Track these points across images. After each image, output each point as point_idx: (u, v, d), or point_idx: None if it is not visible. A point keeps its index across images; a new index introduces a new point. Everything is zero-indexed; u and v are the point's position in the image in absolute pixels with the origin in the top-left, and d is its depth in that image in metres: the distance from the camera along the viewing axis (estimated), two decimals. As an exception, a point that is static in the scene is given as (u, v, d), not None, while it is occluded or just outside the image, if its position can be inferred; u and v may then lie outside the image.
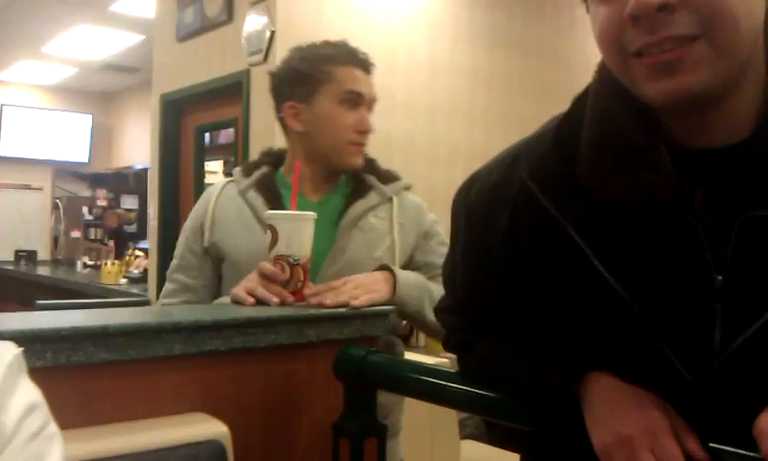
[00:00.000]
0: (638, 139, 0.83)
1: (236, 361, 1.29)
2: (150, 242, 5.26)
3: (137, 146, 8.97)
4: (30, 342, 1.00)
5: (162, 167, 4.92)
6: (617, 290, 0.83)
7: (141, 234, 8.16)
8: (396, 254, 1.63)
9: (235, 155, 4.44)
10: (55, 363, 1.07)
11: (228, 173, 5.39)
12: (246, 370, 1.31)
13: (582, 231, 0.86)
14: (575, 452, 0.89)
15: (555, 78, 5.13)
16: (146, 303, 3.64)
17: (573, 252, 0.86)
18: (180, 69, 4.72)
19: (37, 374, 0.80)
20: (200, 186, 4.75)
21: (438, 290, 1.52)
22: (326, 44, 1.66)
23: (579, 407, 0.87)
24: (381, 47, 4.10)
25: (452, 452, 2.88)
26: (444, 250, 1.66)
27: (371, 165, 1.70)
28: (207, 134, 5.02)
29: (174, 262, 1.69)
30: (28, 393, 0.76)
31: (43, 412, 0.77)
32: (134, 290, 5.31)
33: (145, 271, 5.73)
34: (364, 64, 1.65)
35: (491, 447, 3.30)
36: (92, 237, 8.51)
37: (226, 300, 1.53)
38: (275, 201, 1.61)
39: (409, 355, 2.09)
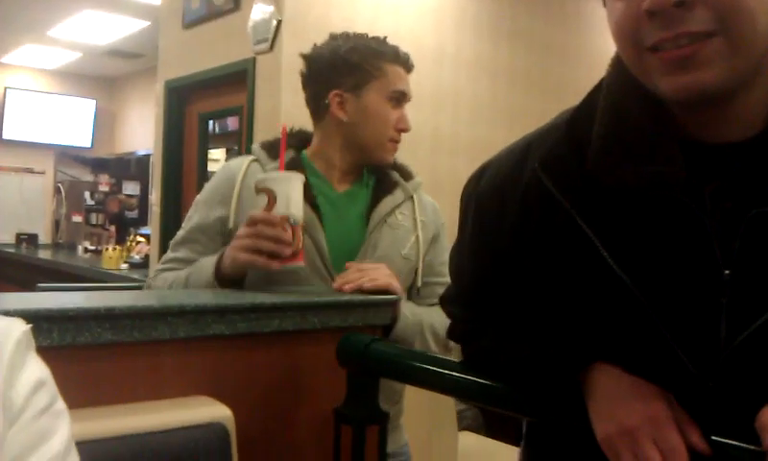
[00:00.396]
0: (650, 132, 0.83)
1: (240, 346, 1.30)
2: (152, 228, 5.26)
3: (140, 132, 8.97)
4: (37, 321, 1.01)
5: (166, 154, 4.91)
6: (624, 280, 0.83)
7: (142, 220, 8.18)
8: (420, 251, 1.66)
9: (239, 143, 4.43)
10: (60, 343, 1.08)
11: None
12: (249, 354, 1.31)
13: (591, 222, 0.86)
14: (577, 443, 0.90)
15: (560, 73, 5.13)
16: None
17: (581, 242, 0.86)
18: (186, 56, 4.71)
19: (43, 353, 0.80)
20: (203, 174, 4.75)
21: (439, 320, 1.54)
22: (372, 38, 1.67)
23: (582, 398, 0.87)
24: (388, 38, 4.09)
25: (450, 444, 2.89)
26: (445, 256, 1.69)
27: (393, 161, 1.72)
28: (211, 122, 5.01)
29: (180, 233, 1.64)
30: (36, 369, 0.77)
31: (51, 389, 0.77)
32: (135, 275, 5.30)
33: (146, 257, 5.73)
34: (407, 64, 1.68)
35: (489, 438, 3.32)
36: (93, 222, 8.52)
37: (209, 260, 1.49)
38: (304, 189, 1.55)
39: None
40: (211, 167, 4.88)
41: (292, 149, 1.67)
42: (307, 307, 1.37)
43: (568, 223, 0.87)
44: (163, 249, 4.83)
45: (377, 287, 1.48)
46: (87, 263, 6.30)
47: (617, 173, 0.83)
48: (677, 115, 0.84)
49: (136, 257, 6.00)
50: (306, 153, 1.70)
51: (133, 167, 8.90)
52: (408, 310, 1.57)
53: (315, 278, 1.55)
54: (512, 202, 0.95)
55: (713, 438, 0.78)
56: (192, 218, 1.64)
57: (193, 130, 4.86)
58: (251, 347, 1.31)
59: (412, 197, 1.70)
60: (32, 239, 8.47)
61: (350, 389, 1.29)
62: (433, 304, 1.60)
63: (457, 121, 4.64)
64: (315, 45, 1.69)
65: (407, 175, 1.73)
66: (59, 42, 7.89)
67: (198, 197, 1.68)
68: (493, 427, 3.51)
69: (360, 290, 1.47)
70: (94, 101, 9.49)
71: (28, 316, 0.84)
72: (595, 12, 5.10)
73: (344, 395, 1.30)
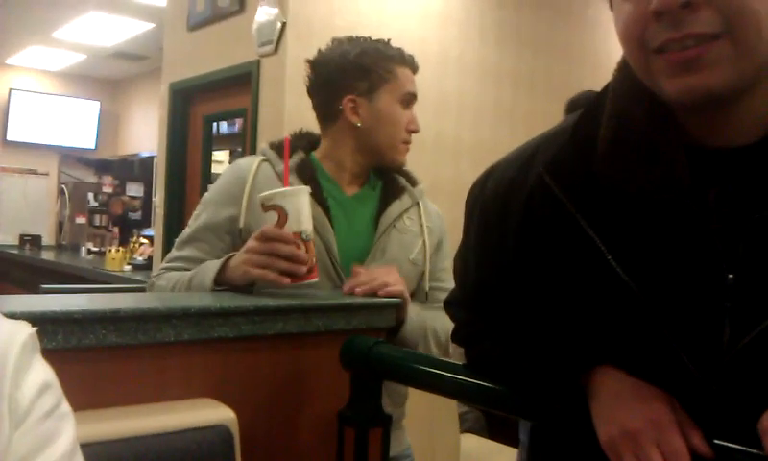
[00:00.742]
0: (655, 137, 0.83)
1: (244, 348, 1.30)
2: (155, 230, 5.27)
3: (144, 134, 8.98)
4: (42, 324, 1.01)
5: (170, 155, 4.92)
6: (628, 284, 0.84)
7: (145, 222, 8.19)
8: (426, 257, 1.67)
9: (243, 145, 4.44)
10: (65, 345, 1.08)
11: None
12: (254, 357, 1.32)
13: (595, 226, 0.86)
14: (580, 446, 0.90)
15: (564, 76, 5.12)
16: (151, 290, 3.64)
17: (586, 245, 0.86)
18: (190, 58, 4.72)
19: (48, 355, 0.80)
20: (207, 176, 4.75)
21: (441, 324, 1.55)
22: (377, 41, 1.67)
23: (585, 401, 0.88)
24: (392, 41, 4.09)
25: (452, 446, 2.89)
26: (446, 262, 1.69)
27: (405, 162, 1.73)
28: (215, 124, 5.02)
29: (187, 232, 1.62)
30: (42, 372, 0.77)
31: (56, 391, 0.78)
32: (138, 277, 5.31)
33: (149, 258, 5.74)
34: (414, 66, 1.70)
35: (490, 440, 3.32)
36: (97, 224, 8.53)
37: (213, 264, 1.48)
38: (315, 190, 1.56)
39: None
40: (215, 169, 4.88)
41: (301, 151, 1.67)
42: (311, 310, 1.37)
43: (573, 227, 0.88)
44: (166, 250, 4.83)
45: (390, 294, 1.49)
46: (91, 265, 6.30)
47: (623, 177, 0.84)
48: (681, 120, 0.84)
49: (139, 259, 6.01)
50: (315, 155, 1.69)
51: (137, 169, 8.91)
52: (413, 313, 1.58)
53: (324, 279, 1.55)
54: (516, 206, 0.95)
55: (716, 441, 0.78)
56: (200, 217, 1.62)
57: (197, 132, 4.86)
58: (254, 349, 1.32)
59: (418, 203, 1.71)
60: (35, 240, 8.48)
61: (354, 391, 1.29)
62: (434, 309, 1.60)
63: (461, 124, 4.64)
64: (320, 50, 1.69)
65: (412, 181, 1.73)
66: (63, 44, 7.91)
67: (206, 195, 1.67)
68: (495, 430, 3.52)
69: (373, 294, 1.47)
70: (98, 102, 9.50)
71: (33, 319, 0.85)
72: (600, 15, 5.09)
73: (347, 397, 1.30)
